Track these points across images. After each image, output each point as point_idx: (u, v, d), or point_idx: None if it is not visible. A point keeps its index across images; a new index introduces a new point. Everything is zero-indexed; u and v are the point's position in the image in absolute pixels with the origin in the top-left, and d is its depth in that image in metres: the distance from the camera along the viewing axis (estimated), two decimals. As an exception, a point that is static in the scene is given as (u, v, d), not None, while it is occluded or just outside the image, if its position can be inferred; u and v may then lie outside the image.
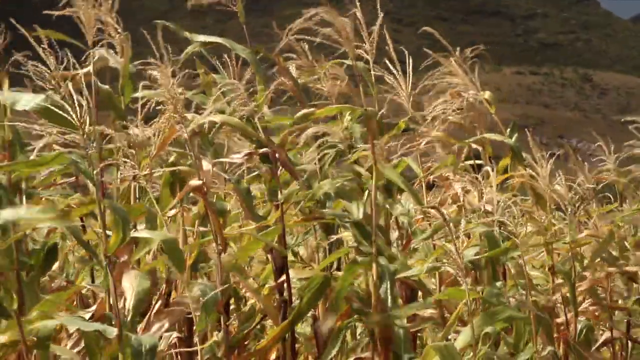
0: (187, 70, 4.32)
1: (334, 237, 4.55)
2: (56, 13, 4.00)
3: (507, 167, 5.06)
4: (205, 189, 3.81)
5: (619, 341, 5.61)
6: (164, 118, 3.88)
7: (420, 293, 4.85)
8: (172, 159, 4.42)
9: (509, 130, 5.06)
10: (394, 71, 4.49)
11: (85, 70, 4.03)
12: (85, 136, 3.26)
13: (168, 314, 3.88)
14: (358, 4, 4.34)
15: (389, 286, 4.26)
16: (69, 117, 3.26)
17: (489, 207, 4.62)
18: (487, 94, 5.02)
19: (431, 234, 4.49)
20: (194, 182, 3.82)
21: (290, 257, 4.68)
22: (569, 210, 4.81)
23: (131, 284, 3.66)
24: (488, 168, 4.76)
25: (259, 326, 4.88)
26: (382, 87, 4.58)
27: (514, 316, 4.27)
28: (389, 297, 4.25)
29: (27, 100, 3.56)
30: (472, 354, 4.13)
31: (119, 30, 4.01)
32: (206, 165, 3.89)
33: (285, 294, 4.48)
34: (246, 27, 4.74)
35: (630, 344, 5.66)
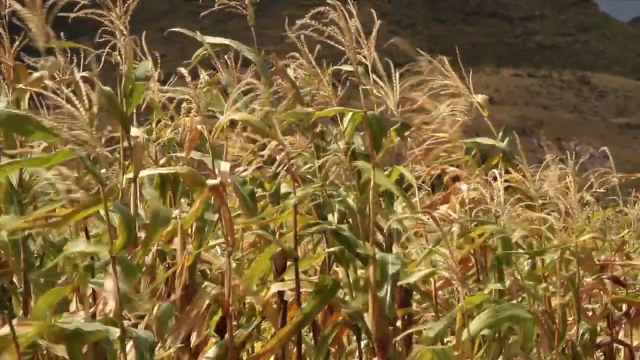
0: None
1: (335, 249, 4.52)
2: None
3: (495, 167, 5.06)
4: (223, 189, 3.81)
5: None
6: (189, 117, 3.88)
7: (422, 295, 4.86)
8: (163, 160, 4.42)
9: (501, 132, 5.07)
10: (380, 81, 4.48)
11: (86, 73, 4.03)
12: (93, 133, 3.26)
13: (181, 322, 3.90)
14: (354, 5, 4.33)
15: (389, 289, 4.26)
16: (78, 114, 3.25)
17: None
18: (480, 97, 5.02)
19: (435, 243, 4.49)
20: (212, 181, 3.83)
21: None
22: (575, 213, 4.82)
23: (113, 287, 3.67)
24: (495, 171, 4.76)
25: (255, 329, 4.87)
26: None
27: (519, 315, 4.25)
28: (388, 300, 4.25)
29: None
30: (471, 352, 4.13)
31: (125, 33, 4.01)
32: (224, 165, 3.89)
33: (286, 296, 4.48)
34: (245, 28, 4.77)
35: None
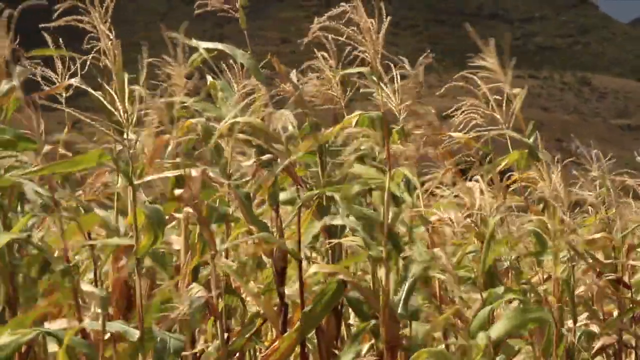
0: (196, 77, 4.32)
1: (335, 241, 4.51)
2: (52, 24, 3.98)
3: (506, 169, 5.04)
4: (192, 198, 3.78)
5: (612, 347, 5.59)
6: (150, 128, 3.84)
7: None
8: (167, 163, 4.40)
9: (528, 130, 5.04)
10: (381, 83, 4.46)
11: (74, 80, 4.01)
12: (128, 136, 3.26)
13: (161, 320, 3.85)
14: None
15: (405, 291, 4.23)
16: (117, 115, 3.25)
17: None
18: (517, 91, 5.02)
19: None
20: (178, 190, 3.80)
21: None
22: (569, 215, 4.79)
23: (94, 289, 3.64)
24: (478, 177, 4.73)
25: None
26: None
27: (544, 318, 4.21)
28: (401, 302, 4.22)
29: None
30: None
31: (111, 37, 3.98)
32: (194, 173, 3.85)
33: (286, 299, 4.47)
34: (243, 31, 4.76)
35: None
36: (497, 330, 4.08)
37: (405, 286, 4.27)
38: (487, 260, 4.38)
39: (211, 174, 4.09)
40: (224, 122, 3.96)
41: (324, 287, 4.28)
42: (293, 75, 4.72)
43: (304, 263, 4.65)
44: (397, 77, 4.60)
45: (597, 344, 5.38)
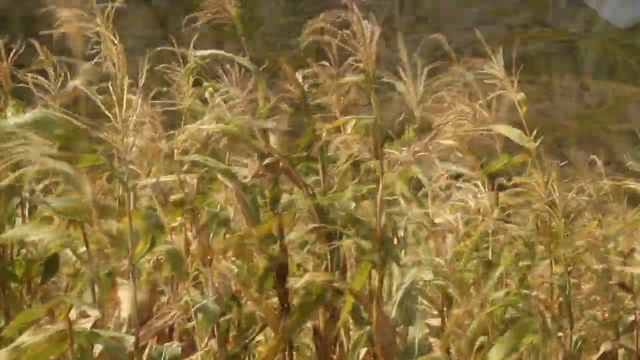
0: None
1: (335, 244, 4.50)
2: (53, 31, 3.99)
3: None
4: (190, 204, 3.79)
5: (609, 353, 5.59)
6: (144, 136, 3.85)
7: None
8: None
9: (533, 135, 5.05)
10: (404, 78, 4.47)
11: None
12: (124, 141, 3.27)
13: (149, 327, 3.84)
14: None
15: (398, 298, 4.23)
16: (113, 119, 3.26)
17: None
18: (520, 96, 5.04)
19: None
20: (174, 196, 3.80)
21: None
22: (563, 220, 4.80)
23: (127, 294, 3.63)
24: (478, 183, 4.73)
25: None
26: (384, 96, 4.56)
27: (537, 328, 4.21)
28: (394, 309, 4.22)
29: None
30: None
31: (116, 43, 3.98)
32: (190, 178, 3.86)
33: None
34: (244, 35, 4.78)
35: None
36: (495, 356, 4.09)
37: (400, 291, 4.27)
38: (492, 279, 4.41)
39: (219, 177, 4.08)
40: (198, 128, 3.96)
41: (308, 291, 4.28)
42: (299, 76, 4.73)
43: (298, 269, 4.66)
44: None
45: (601, 349, 5.38)
